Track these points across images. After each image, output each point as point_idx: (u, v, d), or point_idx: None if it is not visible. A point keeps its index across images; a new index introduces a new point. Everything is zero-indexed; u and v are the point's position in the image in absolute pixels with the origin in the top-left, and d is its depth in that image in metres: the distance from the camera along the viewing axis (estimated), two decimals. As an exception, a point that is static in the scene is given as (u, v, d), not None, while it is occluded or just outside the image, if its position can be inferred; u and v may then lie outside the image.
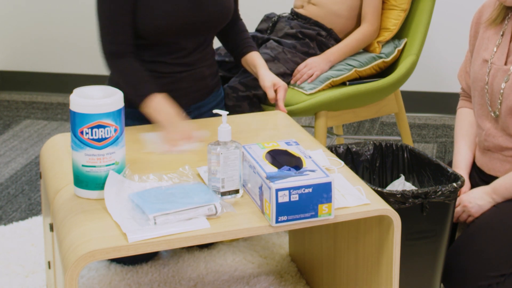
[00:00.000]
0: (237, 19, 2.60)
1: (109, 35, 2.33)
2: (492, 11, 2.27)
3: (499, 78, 2.20)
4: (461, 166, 2.33)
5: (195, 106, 2.51)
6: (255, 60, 2.52)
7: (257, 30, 2.98)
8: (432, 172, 2.24)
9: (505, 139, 2.22)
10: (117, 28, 2.32)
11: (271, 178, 1.74)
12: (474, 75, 2.29)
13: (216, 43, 2.61)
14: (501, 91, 2.19)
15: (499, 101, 2.20)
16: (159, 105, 2.27)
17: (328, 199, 1.75)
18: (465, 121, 2.41)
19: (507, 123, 2.19)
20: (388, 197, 2.03)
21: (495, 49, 2.23)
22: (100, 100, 1.82)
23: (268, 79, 2.45)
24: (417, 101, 4.00)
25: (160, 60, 2.42)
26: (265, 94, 2.67)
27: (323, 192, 1.74)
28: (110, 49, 2.34)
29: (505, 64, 2.21)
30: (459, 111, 2.45)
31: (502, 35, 2.23)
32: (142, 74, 2.33)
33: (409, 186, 2.29)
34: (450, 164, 2.42)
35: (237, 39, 2.57)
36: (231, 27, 2.58)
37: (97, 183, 1.85)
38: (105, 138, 1.83)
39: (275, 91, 2.45)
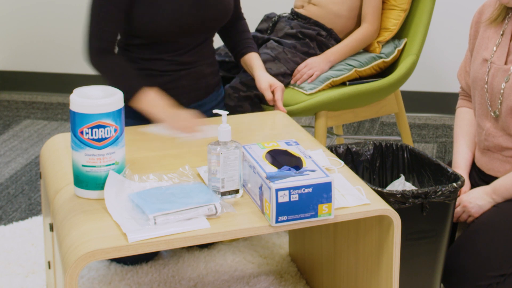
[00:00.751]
0: (239, 18, 2.60)
1: (98, 32, 2.33)
2: (493, 10, 2.27)
3: (499, 77, 2.20)
4: (461, 165, 2.33)
5: (196, 105, 2.51)
6: (252, 61, 2.52)
7: (257, 30, 2.98)
8: (432, 172, 2.24)
9: (505, 139, 2.22)
10: (107, 25, 2.33)
11: (271, 178, 1.74)
12: (474, 74, 2.29)
13: (216, 43, 2.61)
14: (501, 91, 2.19)
15: (499, 101, 2.20)
16: (152, 99, 2.27)
17: (328, 199, 1.75)
18: (464, 121, 2.41)
19: (508, 123, 2.19)
20: (388, 197, 2.03)
21: (494, 49, 2.23)
22: (100, 100, 1.82)
23: (264, 80, 2.45)
24: (417, 101, 4.00)
25: (159, 58, 2.42)
26: (265, 94, 2.68)
27: (323, 192, 1.74)
28: (97, 45, 2.33)
29: (505, 63, 2.21)
30: (458, 111, 2.45)
31: (502, 35, 2.23)
32: (131, 70, 2.34)
33: (409, 186, 2.29)
34: (450, 164, 2.42)
35: (237, 39, 2.57)
36: (232, 26, 2.58)
37: (97, 183, 1.85)
38: (105, 138, 1.83)
39: (272, 92, 2.45)
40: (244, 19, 2.62)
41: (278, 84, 2.45)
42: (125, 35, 2.43)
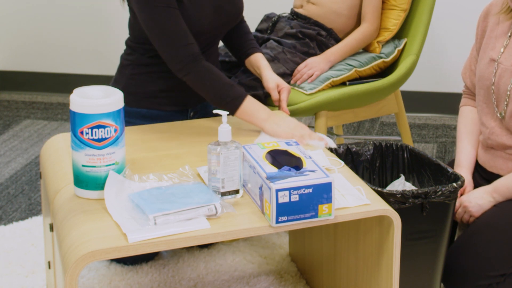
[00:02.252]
0: (241, 20, 2.61)
1: (179, 40, 2.24)
2: (502, 5, 2.26)
3: (506, 78, 2.20)
4: (464, 164, 2.33)
5: (202, 106, 2.51)
6: (259, 62, 2.52)
7: (257, 30, 2.99)
8: (432, 172, 2.24)
9: (509, 138, 2.22)
10: (182, 30, 2.25)
11: (271, 178, 1.74)
12: (480, 73, 2.28)
13: (216, 43, 2.61)
14: (508, 92, 2.19)
15: (505, 102, 2.19)
16: (255, 105, 2.24)
17: (328, 199, 1.75)
18: (468, 119, 2.40)
19: (513, 124, 2.19)
20: (388, 197, 2.03)
21: (502, 50, 2.23)
22: (100, 100, 1.82)
23: (272, 80, 2.45)
24: (417, 101, 4.00)
25: None
26: (264, 94, 2.67)
27: (323, 192, 1.74)
28: (186, 52, 2.24)
29: None
30: (462, 109, 2.45)
31: (509, 36, 2.23)
32: (225, 77, 2.28)
33: (409, 186, 2.29)
34: (450, 163, 2.42)
35: (241, 41, 2.58)
36: (235, 28, 2.58)
37: (97, 183, 1.85)
38: (105, 138, 1.83)
39: (279, 92, 2.45)
40: (245, 21, 2.63)
41: (285, 85, 2.45)
42: (134, 31, 2.41)
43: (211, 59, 2.48)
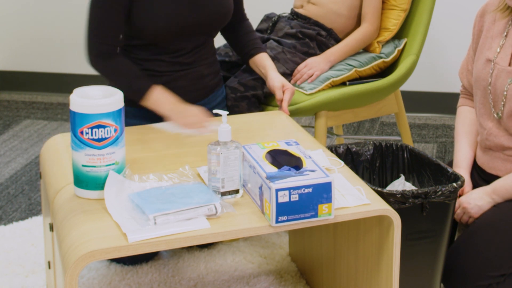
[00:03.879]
0: (243, 19, 2.60)
1: (100, 36, 2.34)
2: (498, 4, 2.26)
3: (502, 79, 2.20)
4: (462, 165, 2.33)
5: (196, 106, 2.51)
6: (264, 62, 2.53)
7: (257, 30, 2.98)
8: (432, 172, 2.24)
9: (507, 139, 2.22)
10: (109, 28, 2.33)
11: (271, 178, 1.74)
12: (477, 74, 2.28)
13: (217, 43, 2.61)
14: (505, 92, 2.19)
15: (502, 103, 2.19)
16: (160, 96, 2.31)
17: (328, 199, 1.75)
18: (466, 120, 2.40)
19: (510, 124, 2.19)
20: (388, 197, 2.03)
21: (498, 50, 2.23)
22: (100, 100, 1.82)
23: (278, 80, 2.47)
24: (417, 101, 4.00)
25: (156, 59, 2.42)
26: (264, 94, 2.67)
27: (323, 192, 1.74)
28: (100, 49, 2.34)
29: (509, 65, 2.20)
30: (459, 109, 2.45)
31: (505, 36, 2.23)
32: (135, 71, 2.36)
33: (409, 186, 2.29)
34: (450, 164, 2.42)
35: (245, 40, 2.58)
36: (237, 28, 2.58)
37: (97, 183, 1.85)
38: (105, 138, 1.83)
39: (283, 92, 2.47)
40: (248, 19, 2.63)
41: (290, 86, 2.47)
42: (124, 36, 2.43)
43: (206, 58, 2.48)
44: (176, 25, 2.36)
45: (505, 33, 2.24)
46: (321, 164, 2.00)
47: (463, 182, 2.12)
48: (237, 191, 1.87)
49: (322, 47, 2.85)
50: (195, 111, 2.29)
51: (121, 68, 2.36)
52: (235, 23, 2.57)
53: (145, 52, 2.41)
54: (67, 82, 4.37)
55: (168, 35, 2.37)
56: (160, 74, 2.43)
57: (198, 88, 2.50)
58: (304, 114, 2.74)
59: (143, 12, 2.33)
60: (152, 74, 2.41)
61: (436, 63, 3.96)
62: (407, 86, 3.85)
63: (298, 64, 2.80)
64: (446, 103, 3.95)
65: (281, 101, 2.46)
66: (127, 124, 2.33)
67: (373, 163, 2.38)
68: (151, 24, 2.34)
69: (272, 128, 2.37)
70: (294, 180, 1.73)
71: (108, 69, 2.36)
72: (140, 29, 2.35)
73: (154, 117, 2.43)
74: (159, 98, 2.31)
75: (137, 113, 2.42)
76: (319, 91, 2.74)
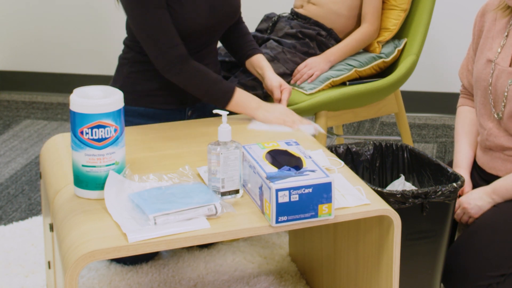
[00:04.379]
0: (239, 21, 2.60)
1: (167, 41, 2.28)
2: (498, 4, 2.25)
3: (503, 79, 2.20)
4: (462, 165, 2.33)
5: (199, 105, 2.51)
6: (261, 63, 2.53)
7: (257, 30, 2.98)
8: (432, 172, 2.24)
9: (507, 139, 2.21)
10: (171, 32, 2.28)
11: (271, 178, 1.74)
12: (477, 74, 2.28)
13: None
14: (505, 93, 2.18)
15: (503, 104, 2.19)
16: (245, 94, 2.34)
17: (328, 199, 1.75)
18: (466, 119, 2.40)
19: (510, 125, 2.19)
20: (388, 197, 2.03)
21: (499, 50, 2.23)
22: (100, 100, 1.82)
23: (275, 80, 2.48)
24: (417, 101, 4.00)
25: None
26: (264, 94, 2.67)
27: (323, 192, 1.74)
28: (174, 53, 2.28)
29: (510, 65, 2.20)
30: (459, 109, 2.45)
31: (506, 36, 2.23)
32: (214, 74, 2.35)
33: (409, 186, 2.29)
34: (450, 164, 2.42)
35: (241, 42, 2.58)
36: (234, 29, 2.58)
37: (97, 183, 1.85)
38: (105, 138, 1.83)
39: (281, 92, 2.47)
40: (244, 22, 2.63)
41: (287, 86, 2.48)
42: (131, 31, 2.42)
43: (209, 58, 2.49)
44: (195, 27, 2.35)
45: (505, 33, 2.24)
46: (321, 164, 2.00)
47: (463, 182, 2.12)
48: (237, 191, 1.87)
49: (322, 47, 2.85)
50: (282, 109, 2.34)
51: (201, 72, 2.32)
52: (232, 25, 2.57)
53: None
54: (67, 82, 4.37)
55: (184, 35, 2.36)
56: None
57: None
58: (304, 114, 2.74)
59: (173, 14, 2.32)
60: (159, 73, 2.41)
61: (436, 63, 3.96)
62: (407, 86, 3.85)
63: (298, 64, 2.80)
64: (446, 103, 3.95)
65: (279, 100, 2.46)
66: (126, 123, 2.33)
67: (373, 163, 2.38)
68: (176, 26, 2.32)
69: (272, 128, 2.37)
70: (294, 180, 1.73)
71: (188, 73, 2.31)
72: None
73: (152, 116, 2.43)
74: (245, 98, 2.33)
75: (135, 112, 2.42)
76: (319, 91, 2.74)
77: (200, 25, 2.36)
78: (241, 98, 2.33)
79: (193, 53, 2.42)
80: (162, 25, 2.27)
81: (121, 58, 2.49)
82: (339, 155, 2.32)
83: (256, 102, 2.34)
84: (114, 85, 2.43)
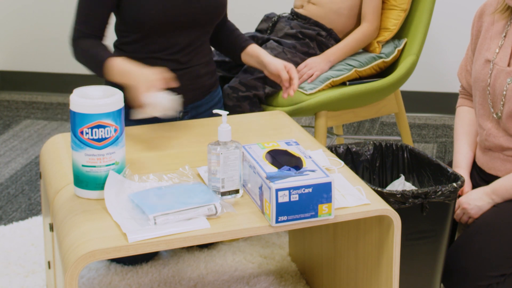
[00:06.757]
0: (226, 20, 2.60)
1: (84, 18, 2.36)
2: (496, 6, 2.26)
3: (501, 79, 2.20)
4: (462, 165, 2.33)
5: (192, 106, 2.51)
6: (257, 51, 2.51)
7: (257, 30, 2.98)
8: (432, 172, 2.24)
9: (507, 139, 2.22)
10: (94, 11, 2.35)
11: (271, 178, 1.74)
12: (476, 74, 2.28)
13: (216, 43, 2.61)
14: (504, 92, 2.19)
15: (501, 103, 2.19)
16: (119, 67, 2.26)
17: (328, 199, 1.75)
18: (465, 120, 2.40)
19: (509, 125, 2.19)
20: (388, 197, 2.03)
21: (497, 50, 2.23)
22: (100, 100, 1.82)
23: (278, 62, 2.43)
24: (417, 101, 4.00)
25: (152, 57, 2.41)
26: (265, 94, 2.68)
27: (323, 192, 1.74)
28: (80, 30, 2.36)
29: (508, 65, 2.20)
30: (458, 110, 2.45)
31: (504, 36, 2.23)
32: (101, 47, 2.36)
33: (409, 186, 2.29)
34: (450, 164, 2.42)
35: (232, 38, 2.57)
36: (222, 28, 2.57)
37: (97, 183, 1.85)
38: (105, 138, 1.83)
39: (288, 73, 2.44)
40: (229, 20, 2.62)
41: (290, 65, 2.43)
42: (119, 32, 2.44)
43: (201, 58, 2.48)
44: (166, 14, 2.36)
45: (504, 34, 2.24)
46: (321, 164, 2.00)
47: (463, 182, 2.12)
48: (237, 191, 1.87)
49: (322, 47, 2.85)
50: (153, 72, 2.20)
51: (88, 46, 2.36)
52: (220, 24, 2.57)
53: (141, 50, 2.40)
54: (67, 82, 4.37)
55: (159, 26, 2.36)
56: None
57: (195, 88, 2.50)
58: (304, 114, 2.74)
59: (135, 3, 2.34)
60: None
61: (436, 63, 3.96)
62: (407, 86, 3.85)
63: (298, 64, 2.80)
64: (446, 103, 3.95)
65: (290, 80, 2.43)
66: (130, 124, 2.33)
67: (373, 163, 2.38)
68: (141, 13, 2.34)
69: (272, 128, 2.37)
70: (294, 180, 1.73)
71: (78, 48, 2.37)
72: (130, 18, 2.35)
73: (152, 119, 2.43)
74: (119, 68, 2.25)
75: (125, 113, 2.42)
76: (319, 91, 2.74)
77: (173, 13, 2.36)
78: (115, 68, 2.26)
79: (182, 48, 2.42)
80: (89, 8, 2.35)
81: None
82: (339, 155, 2.32)
83: (122, 75, 2.24)
84: (107, 83, 2.43)
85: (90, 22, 2.36)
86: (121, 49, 2.45)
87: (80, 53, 2.37)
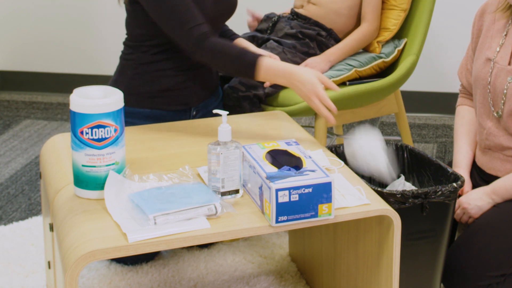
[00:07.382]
0: None
1: (190, 20, 2.25)
2: (497, 5, 2.26)
3: (502, 78, 2.20)
4: (462, 165, 2.33)
5: (203, 105, 2.52)
6: (244, 43, 2.56)
7: (257, 30, 2.98)
8: (432, 172, 2.24)
9: (507, 139, 2.22)
10: (193, 11, 2.26)
11: (271, 178, 1.74)
12: (476, 73, 2.28)
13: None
14: (504, 91, 2.19)
15: (502, 102, 2.19)
16: (272, 65, 2.22)
17: (328, 199, 1.75)
18: (465, 119, 2.40)
19: (510, 123, 2.19)
20: (388, 197, 2.03)
21: (498, 49, 2.23)
22: (100, 100, 1.82)
23: (263, 52, 2.47)
24: (417, 101, 4.00)
25: (173, 57, 2.40)
26: (265, 94, 2.68)
27: (323, 192, 1.74)
28: (198, 31, 2.25)
29: (509, 64, 2.20)
30: (458, 109, 2.45)
31: (505, 35, 2.23)
32: (236, 47, 2.28)
33: (409, 186, 2.29)
34: (450, 164, 2.42)
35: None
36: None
37: (97, 183, 1.85)
38: (105, 138, 1.83)
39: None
40: None
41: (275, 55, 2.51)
42: (143, 35, 2.41)
43: None
44: (215, 10, 2.38)
45: (505, 32, 2.24)
46: (321, 164, 2.00)
47: (463, 182, 2.12)
48: (237, 191, 1.87)
49: (322, 47, 2.85)
50: (313, 78, 2.19)
51: (226, 46, 2.26)
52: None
53: (162, 51, 2.40)
54: (67, 82, 4.37)
55: (210, 20, 2.36)
56: (176, 74, 2.42)
57: (206, 87, 2.51)
58: (304, 114, 2.74)
59: None
60: (168, 73, 2.40)
61: (436, 63, 3.96)
62: (407, 86, 3.85)
63: (298, 64, 2.80)
64: (446, 103, 3.95)
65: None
66: (131, 124, 2.33)
67: (373, 163, 2.38)
68: (200, 4, 2.33)
69: (272, 128, 2.37)
70: (294, 180, 1.73)
71: (212, 50, 2.25)
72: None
73: (158, 117, 2.43)
74: (270, 69, 2.21)
75: (140, 114, 2.42)
76: (319, 91, 2.74)
77: (204, 17, 2.35)
78: (267, 70, 2.21)
79: None
80: (183, 5, 2.25)
81: (124, 59, 2.48)
82: (339, 155, 2.31)
83: (284, 76, 2.21)
84: (116, 86, 2.42)
85: (198, 13, 2.26)
86: (135, 48, 2.42)
87: (217, 55, 2.26)
